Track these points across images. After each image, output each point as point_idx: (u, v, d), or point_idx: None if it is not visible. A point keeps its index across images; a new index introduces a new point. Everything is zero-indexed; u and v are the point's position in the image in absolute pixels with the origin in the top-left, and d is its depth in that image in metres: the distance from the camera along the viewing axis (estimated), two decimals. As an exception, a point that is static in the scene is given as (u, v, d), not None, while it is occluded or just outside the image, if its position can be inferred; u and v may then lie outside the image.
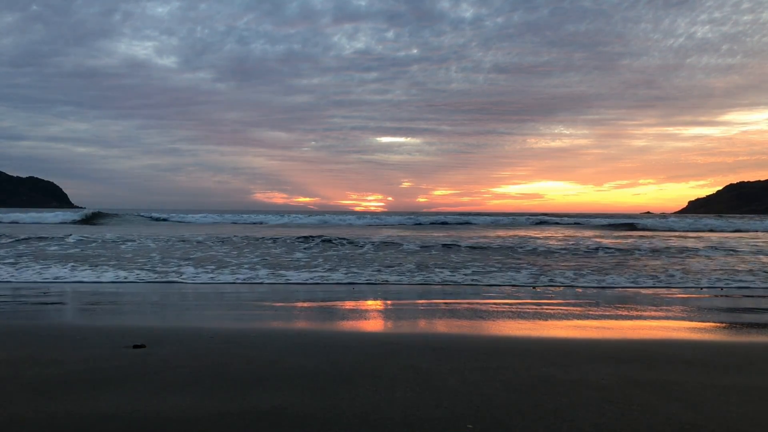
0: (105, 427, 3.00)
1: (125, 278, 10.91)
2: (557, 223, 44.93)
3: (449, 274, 12.14)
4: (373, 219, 46.73)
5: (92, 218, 39.45)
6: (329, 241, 20.25)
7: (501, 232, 30.10)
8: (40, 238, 20.00)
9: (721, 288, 10.43)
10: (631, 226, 39.59)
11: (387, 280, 11.20)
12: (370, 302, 8.75)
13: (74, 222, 36.93)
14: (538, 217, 52.04)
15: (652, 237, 27.00)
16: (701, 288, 10.47)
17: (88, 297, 8.96)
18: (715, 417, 3.21)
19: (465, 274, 12.04)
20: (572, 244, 20.18)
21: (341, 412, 3.22)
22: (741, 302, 8.91)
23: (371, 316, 7.57)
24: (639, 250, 18.04)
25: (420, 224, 41.10)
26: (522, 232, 30.82)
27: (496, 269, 12.95)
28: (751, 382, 3.98)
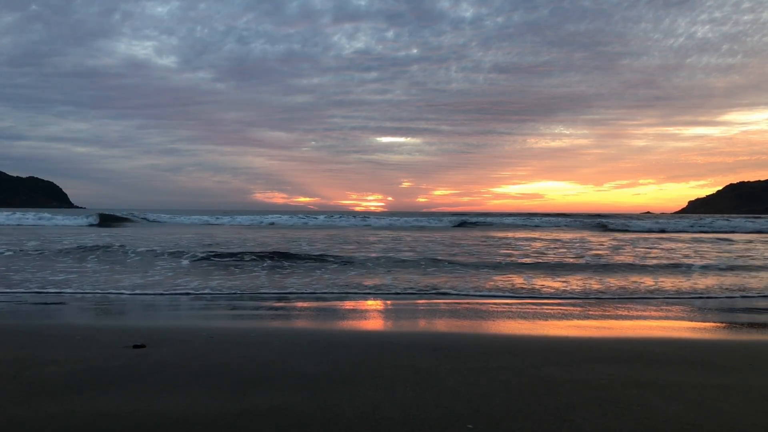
0: (105, 427, 3.00)
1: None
2: (477, 224, 44.32)
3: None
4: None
5: (106, 221, 38.90)
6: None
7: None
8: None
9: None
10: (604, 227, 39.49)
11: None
12: (369, 302, 8.75)
13: (91, 225, 36.36)
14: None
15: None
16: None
17: (89, 297, 8.95)
18: (715, 417, 3.21)
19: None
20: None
21: (341, 412, 3.22)
22: (741, 302, 8.91)
23: (371, 316, 7.57)
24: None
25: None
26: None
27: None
28: (751, 382, 3.98)
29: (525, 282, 10.73)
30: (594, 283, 10.63)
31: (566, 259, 15.06)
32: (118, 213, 45.01)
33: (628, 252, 17.79)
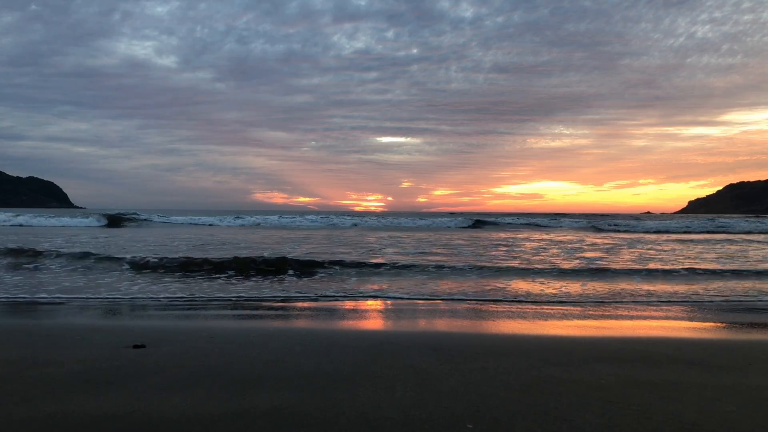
0: (105, 427, 3.00)
1: None
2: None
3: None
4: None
5: (117, 221, 38.29)
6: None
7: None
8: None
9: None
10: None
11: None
12: (369, 302, 8.74)
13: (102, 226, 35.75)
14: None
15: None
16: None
17: (88, 297, 8.95)
18: (715, 417, 3.21)
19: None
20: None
21: (341, 412, 3.22)
22: (740, 303, 8.91)
23: (371, 316, 7.57)
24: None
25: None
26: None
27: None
28: (751, 382, 3.98)
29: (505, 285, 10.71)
30: (596, 286, 10.62)
31: (568, 263, 15.06)
32: (125, 213, 44.22)
33: (649, 255, 17.79)
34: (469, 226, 40.99)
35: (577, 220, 48.60)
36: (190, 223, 40.44)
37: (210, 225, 38.88)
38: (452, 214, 71.56)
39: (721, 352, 5.02)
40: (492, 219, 49.73)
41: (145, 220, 41.98)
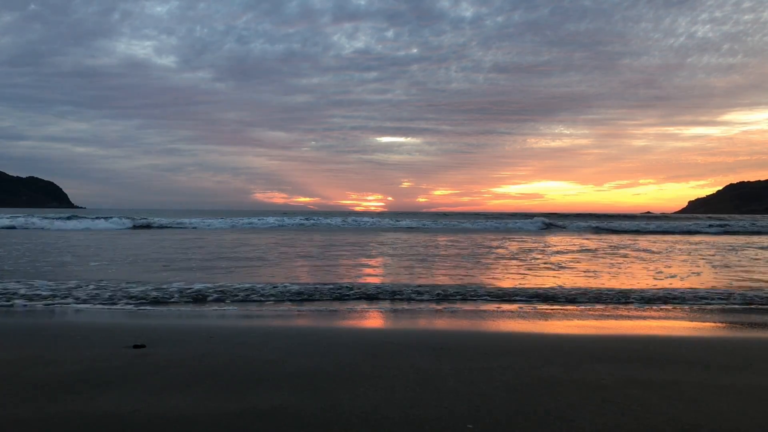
0: (105, 427, 3.00)
1: None
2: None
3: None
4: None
5: (143, 226, 36.76)
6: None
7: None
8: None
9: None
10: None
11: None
12: (369, 303, 8.74)
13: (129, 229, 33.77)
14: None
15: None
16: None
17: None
18: (715, 417, 3.21)
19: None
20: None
21: (341, 412, 3.22)
22: (741, 302, 8.90)
23: (371, 317, 7.56)
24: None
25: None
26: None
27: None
28: (751, 382, 3.98)
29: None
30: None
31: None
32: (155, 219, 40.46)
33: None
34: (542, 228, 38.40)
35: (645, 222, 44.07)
36: (248, 227, 37.05)
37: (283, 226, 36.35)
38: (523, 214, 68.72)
39: (721, 352, 5.02)
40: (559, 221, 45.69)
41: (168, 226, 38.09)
